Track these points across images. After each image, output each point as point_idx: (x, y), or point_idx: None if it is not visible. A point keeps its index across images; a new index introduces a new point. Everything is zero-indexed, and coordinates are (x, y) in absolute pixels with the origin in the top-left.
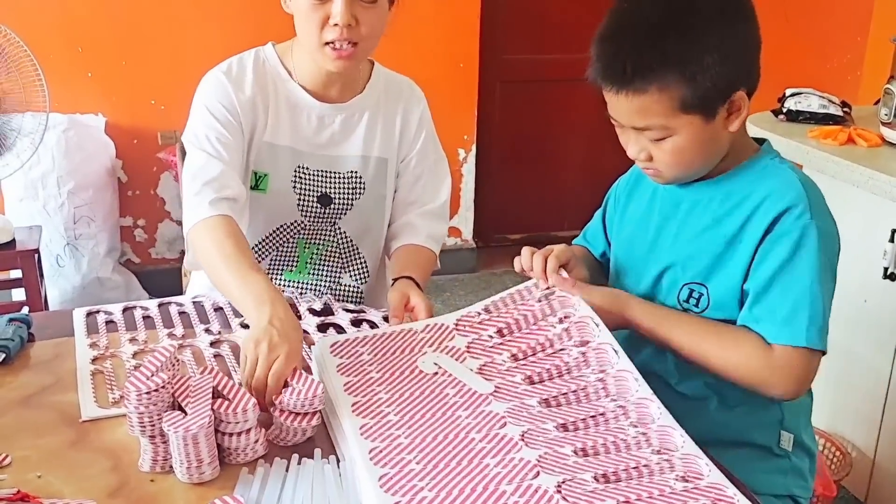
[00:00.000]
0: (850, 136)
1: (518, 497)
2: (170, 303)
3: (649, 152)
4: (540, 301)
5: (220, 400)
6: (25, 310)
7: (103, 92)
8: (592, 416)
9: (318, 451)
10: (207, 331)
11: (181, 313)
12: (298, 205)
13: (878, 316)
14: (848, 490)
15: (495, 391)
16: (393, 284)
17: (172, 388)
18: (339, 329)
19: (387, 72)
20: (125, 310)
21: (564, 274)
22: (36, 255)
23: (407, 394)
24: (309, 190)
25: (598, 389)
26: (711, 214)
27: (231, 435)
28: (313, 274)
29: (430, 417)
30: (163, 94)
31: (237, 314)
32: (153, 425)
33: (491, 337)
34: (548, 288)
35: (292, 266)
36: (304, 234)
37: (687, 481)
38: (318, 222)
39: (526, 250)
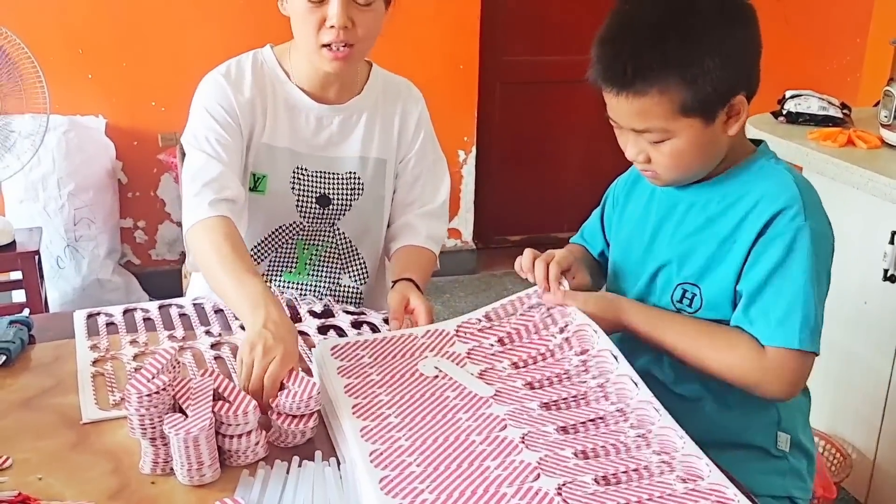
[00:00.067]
0: (849, 138)
1: (518, 499)
2: (170, 305)
3: (648, 154)
4: (538, 308)
5: (220, 402)
6: (26, 312)
7: (104, 93)
8: (592, 420)
9: (318, 454)
10: (208, 333)
11: (182, 315)
12: (297, 206)
13: (879, 317)
14: (848, 492)
15: (496, 395)
16: (393, 286)
17: (173, 390)
18: (340, 331)
19: (385, 73)
20: (126, 312)
21: (566, 284)
22: (36, 257)
23: (407, 396)
24: (307, 191)
25: (599, 396)
26: (706, 215)
27: (232, 437)
28: (313, 275)
29: (430, 420)
30: (163, 96)
31: (237, 316)
32: (154, 427)
33: (492, 345)
34: (543, 293)
35: (291, 267)
36: (302, 235)
37: (687, 482)
38: (316, 223)
39: (528, 253)
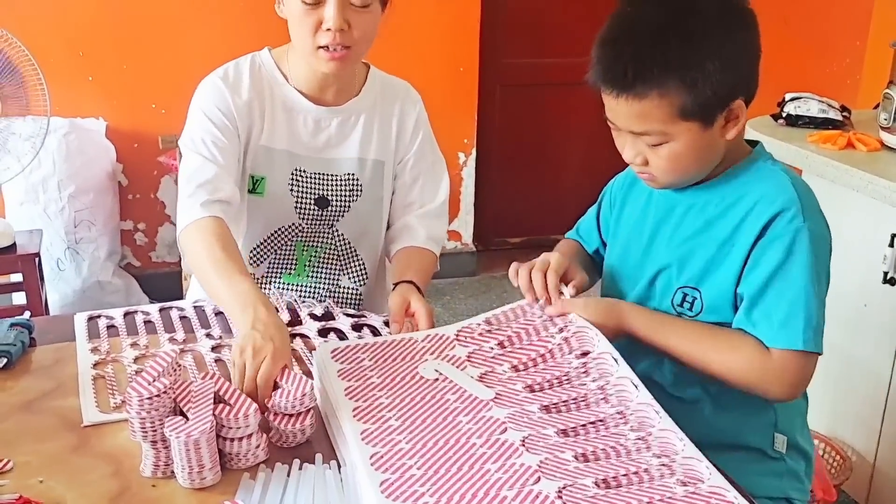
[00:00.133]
0: (849, 141)
1: (519, 502)
2: (171, 307)
3: (645, 157)
4: (541, 316)
5: (221, 405)
6: (27, 314)
7: (104, 96)
8: (592, 423)
9: (319, 457)
10: (208, 335)
11: (182, 318)
12: (296, 208)
13: (878, 320)
14: (848, 494)
15: (496, 398)
16: (394, 289)
17: (174, 393)
18: (340, 334)
19: (383, 75)
20: (126, 314)
21: (566, 291)
22: (36, 259)
23: (408, 399)
24: (306, 193)
25: (599, 398)
26: (705, 218)
27: (232, 440)
28: (312, 277)
29: (430, 423)
30: (163, 98)
31: (228, 317)
32: (155, 430)
33: (492, 349)
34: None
35: (291, 269)
36: (301, 236)
37: (688, 485)
38: (315, 225)
39: (522, 272)
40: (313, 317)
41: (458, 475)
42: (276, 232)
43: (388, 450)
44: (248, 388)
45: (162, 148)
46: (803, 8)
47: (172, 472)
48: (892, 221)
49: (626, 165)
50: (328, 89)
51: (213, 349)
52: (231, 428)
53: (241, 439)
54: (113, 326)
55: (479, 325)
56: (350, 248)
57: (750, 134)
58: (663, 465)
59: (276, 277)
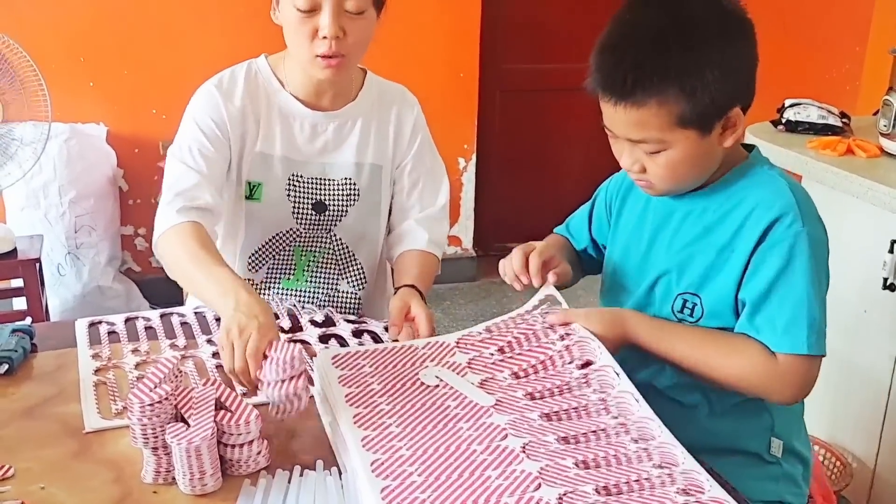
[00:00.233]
0: (849, 147)
1: None
2: (171, 313)
3: (643, 164)
4: (542, 322)
5: (222, 411)
6: (28, 320)
7: (105, 101)
8: (594, 431)
9: (320, 463)
10: (210, 341)
11: (183, 324)
12: (293, 213)
13: (878, 326)
14: (848, 500)
15: (496, 404)
16: (395, 293)
17: (175, 399)
18: (341, 340)
19: (380, 80)
20: (127, 320)
21: (551, 278)
22: (37, 265)
23: (409, 406)
24: (303, 198)
25: (600, 408)
26: (703, 224)
27: (233, 446)
28: (311, 281)
29: (431, 429)
30: (164, 104)
31: (212, 308)
32: (156, 437)
33: (492, 354)
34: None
35: (290, 274)
36: (300, 241)
37: (689, 494)
38: (313, 230)
39: (506, 259)
40: (314, 323)
41: (459, 482)
42: (274, 237)
43: (389, 456)
44: (240, 366)
45: (162, 153)
46: (803, 14)
47: (174, 478)
48: (891, 227)
49: None
50: (324, 95)
51: (214, 355)
52: (232, 434)
53: (242, 446)
54: (114, 332)
55: (480, 332)
56: (348, 252)
57: (749, 139)
58: (664, 474)
59: (274, 283)
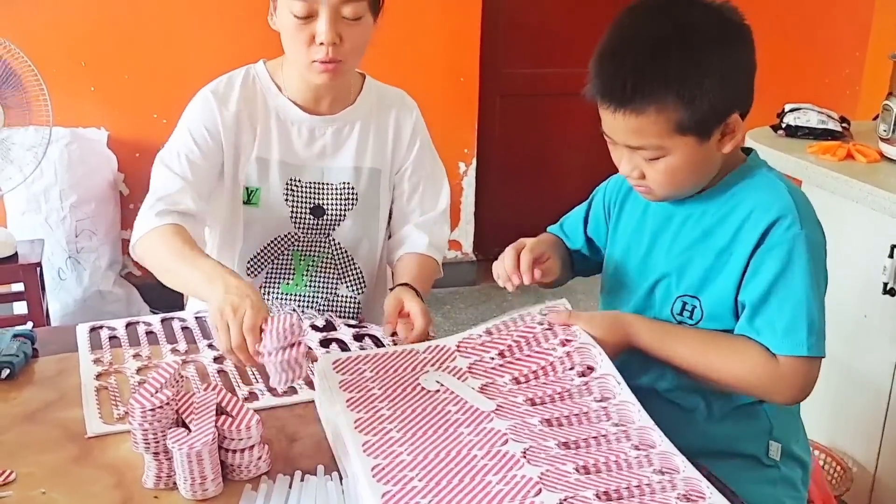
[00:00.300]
0: (849, 152)
1: None
2: (172, 318)
3: (642, 171)
4: (542, 324)
5: (223, 417)
6: (29, 325)
7: (106, 106)
8: (594, 437)
9: (320, 468)
10: (211, 346)
11: (184, 328)
12: (291, 217)
13: (878, 331)
14: None
15: (497, 409)
16: (390, 292)
17: (176, 404)
18: (342, 344)
19: (379, 84)
20: (128, 325)
21: (536, 275)
22: (38, 269)
23: (409, 411)
24: (301, 202)
25: (601, 415)
26: (702, 227)
27: (234, 451)
28: (310, 286)
29: (432, 434)
30: (165, 108)
31: (198, 298)
32: (157, 442)
33: (492, 359)
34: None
35: (289, 279)
36: (298, 246)
37: (689, 500)
38: (311, 234)
39: (497, 261)
40: (315, 328)
41: (460, 487)
42: (272, 242)
43: (390, 461)
44: (237, 342)
45: None
46: (803, 18)
47: (175, 483)
48: (891, 232)
49: None
50: (322, 100)
51: (215, 360)
52: (233, 439)
53: (243, 451)
54: (115, 337)
55: (480, 335)
56: (347, 256)
57: (749, 144)
58: (665, 480)
59: (274, 287)
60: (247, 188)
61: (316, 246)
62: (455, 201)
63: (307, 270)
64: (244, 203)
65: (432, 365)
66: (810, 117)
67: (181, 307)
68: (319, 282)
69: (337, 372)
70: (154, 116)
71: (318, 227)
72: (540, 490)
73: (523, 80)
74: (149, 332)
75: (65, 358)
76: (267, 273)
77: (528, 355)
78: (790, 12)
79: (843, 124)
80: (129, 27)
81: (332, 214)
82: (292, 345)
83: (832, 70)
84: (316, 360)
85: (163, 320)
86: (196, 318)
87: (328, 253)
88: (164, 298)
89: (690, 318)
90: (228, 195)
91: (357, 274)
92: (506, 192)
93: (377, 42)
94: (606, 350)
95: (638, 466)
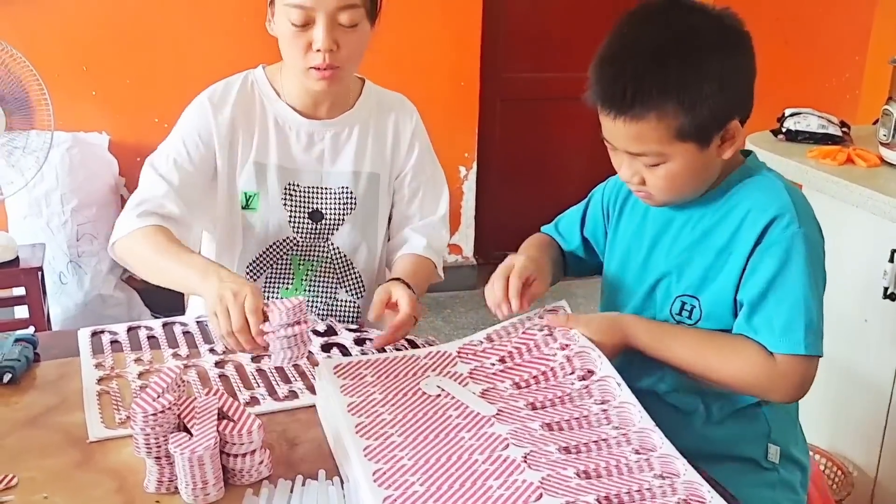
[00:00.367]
0: (849, 157)
1: None
2: (174, 323)
3: (642, 176)
4: (542, 330)
5: (225, 421)
6: (31, 329)
7: (107, 110)
8: (595, 441)
9: (322, 473)
10: (212, 351)
11: (185, 333)
12: (290, 221)
13: (879, 335)
14: None
15: (498, 414)
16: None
17: (178, 409)
18: (343, 349)
19: (378, 88)
20: (130, 329)
21: (525, 306)
22: (39, 273)
23: (410, 415)
24: (299, 207)
25: (601, 419)
26: (702, 228)
27: (236, 456)
28: (309, 290)
29: (433, 439)
30: (166, 113)
31: (189, 292)
32: (159, 447)
33: (493, 364)
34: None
35: (288, 283)
36: (297, 250)
37: None
38: (310, 239)
39: (488, 286)
40: (316, 332)
41: (461, 491)
42: (271, 247)
43: (391, 466)
44: (240, 324)
45: None
46: (803, 23)
47: (176, 488)
48: (891, 237)
49: None
50: (321, 105)
51: (217, 364)
52: (235, 444)
53: (244, 455)
54: (116, 342)
55: (481, 342)
56: (346, 261)
57: (749, 148)
58: (666, 484)
59: (273, 292)
60: (245, 193)
61: (315, 251)
62: (455, 205)
63: (306, 275)
64: (242, 208)
65: (433, 370)
66: (810, 122)
67: (182, 311)
68: (319, 286)
69: (338, 376)
70: (155, 121)
71: (317, 231)
72: (541, 495)
73: (524, 84)
74: (150, 337)
75: (66, 362)
76: (266, 277)
77: (529, 361)
78: (790, 17)
79: (844, 129)
80: (130, 32)
81: (330, 219)
82: (297, 322)
83: (832, 74)
84: (317, 365)
85: (164, 325)
86: (197, 322)
87: (327, 257)
88: (164, 302)
89: (689, 317)
90: (226, 200)
91: (356, 278)
92: (506, 195)
93: (379, 46)
94: (605, 352)
95: (639, 471)
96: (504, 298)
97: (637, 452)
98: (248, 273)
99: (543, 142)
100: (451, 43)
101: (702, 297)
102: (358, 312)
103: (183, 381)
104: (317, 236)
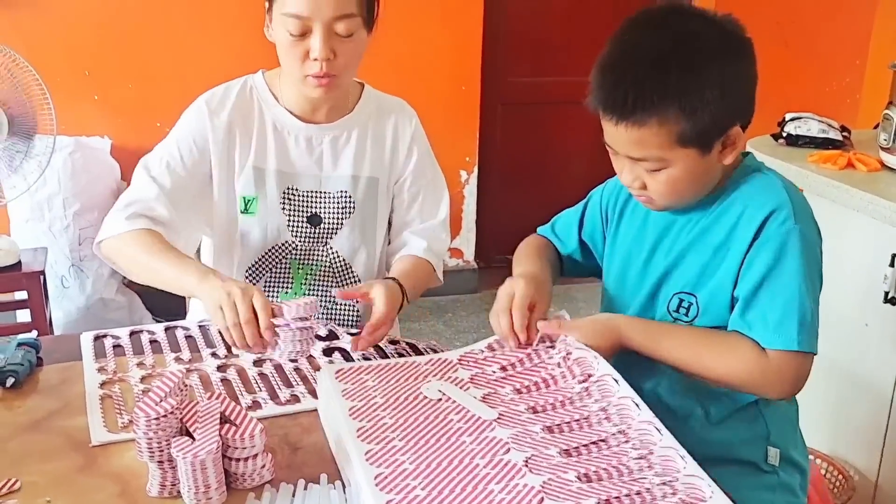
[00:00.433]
0: (849, 161)
1: None
2: (176, 327)
3: (643, 181)
4: (543, 341)
5: (227, 425)
6: (34, 333)
7: (109, 114)
8: (595, 443)
9: (324, 477)
10: (214, 355)
11: (188, 337)
12: (289, 226)
13: (879, 339)
14: None
15: (499, 418)
16: None
17: (181, 413)
18: (345, 353)
19: (378, 93)
20: (132, 334)
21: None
22: (41, 277)
23: (412, 419)
24: (298, 211)
25: (601, 418)
26: (700, 226)
27: (238, 460)
28: (308, 294)
29: (434, 443)
30: (168, 117)
31: (184, 294)
32: (161, 451)
33: (494, 372)
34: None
35: (287, 287)
36: (296, 254)
37: None
38: (309, 243)
39: (493, 318)
40: (318, 337)
41: (462, 496)
42: (270, 251)
43: (393, 470)
44: (248, 316)
45: None
46: (803, 27)
47: (179, 492)
48: (892, 241)
49: None
50: (319, 110)
51: (219, 368)
52: (237, 448)
53: (246, 459)
54: (119, 346)
55: (483, 351)
56: (345, 265)
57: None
58: (665, 484)
59: (273, 296)
60: (243, 197)
61: (314, 255)
62: (456, 209)
63: (305, 279)
64: (241, 212)
65: (434, 375)
66: (811, 126)
67: (183, 315)
68: (318, 290)
69: (340, 381)
70: (157, 125)
71: (316, 235)
72: (542, 499)
73: (524, 88)
74: (153, 341)
75: (69, 367)
76: (265, 281)
77: (530, 369)
78: (790, 21)
79: (844, 133)
80: (132, 36)
81: (329, 223)
82: (306, 317)
83: (832, 79)
84: (319, 369)
85: (166, 329)
86: (199, 326)
87: (326, 262)
88: (166, 306)
89: (686, 315)
90: (224, 204)
91: (355, 282)
92: (507, 199)
93: (380, 51)
94: (601, 355)
95: (639, 472)
96: (511, 333)
97: (636, 449)
98: (247, 277)
99: (544, 146)
100: (452, 47)
101: (699, 293)
102: (358, 316)
103: (185, 385)
104: (316, 240)
